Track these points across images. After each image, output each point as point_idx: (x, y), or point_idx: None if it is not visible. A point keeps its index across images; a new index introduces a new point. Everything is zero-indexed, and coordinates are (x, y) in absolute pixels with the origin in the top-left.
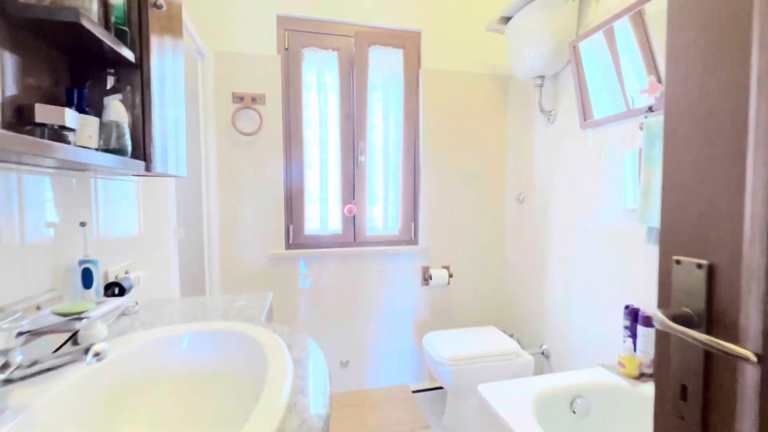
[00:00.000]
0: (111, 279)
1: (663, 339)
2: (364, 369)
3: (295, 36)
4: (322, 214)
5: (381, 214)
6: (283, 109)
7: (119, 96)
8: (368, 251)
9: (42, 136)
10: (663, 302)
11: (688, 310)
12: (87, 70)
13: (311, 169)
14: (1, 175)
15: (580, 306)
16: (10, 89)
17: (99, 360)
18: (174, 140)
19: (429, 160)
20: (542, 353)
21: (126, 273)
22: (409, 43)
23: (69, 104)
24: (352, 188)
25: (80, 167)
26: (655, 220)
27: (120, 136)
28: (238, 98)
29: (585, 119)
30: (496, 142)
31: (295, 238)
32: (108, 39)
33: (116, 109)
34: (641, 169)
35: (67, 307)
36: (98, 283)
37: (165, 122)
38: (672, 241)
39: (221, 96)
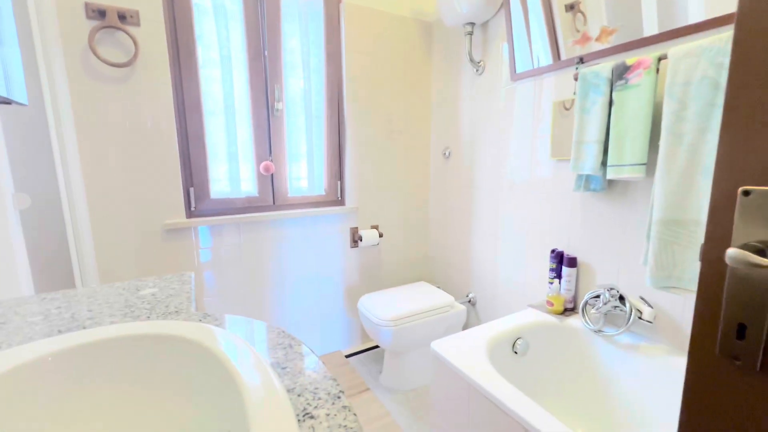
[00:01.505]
0: None
1: (714, 276)
2: None
3: None
4: (232, 173)
5: (305, 172)
6: (167, 33)
7: None
8: (291, 215)
9: None
10: (717, 237)
11: (758, 244)
12: None
13: (214, 117)
14: None
15: (507, 255)
16: None
17: None
18: None
19: (353, 112)
20: (469, 301)
21: None
22: None
23: None
24: (268, 142)
25: None
26: (587, 167)
27: None
28: (96, 12)
29: (516, 71)
30: (420, 94)
31: (198, 203)
32: None
33: None
34: (576, 119)
35: None
36: None
37: None
38: (737, 170)
39: (68, 9)
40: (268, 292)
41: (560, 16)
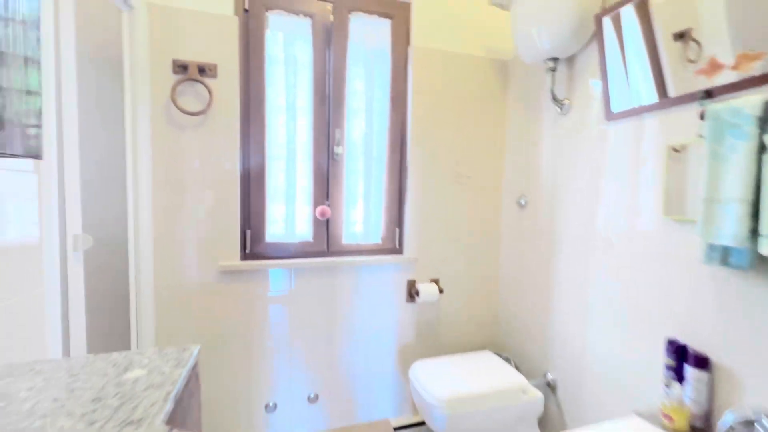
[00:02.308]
0: None
1: None
2: (336, 403)
3: None
4: (288, 217)
5: (361, 218)
6: (240, 84)
7: None
8: (345, 262)
9: None
10: None
11: None
12: None
13: (276, 161)
14: None
15: (600, 332)
16: None
17: None
18: None
19: (418, 155)
20: (548, 384)
21: None
22: (398, 13)
23: None
24: (326, 186)
25: None
26: (727, 235)
27: None
28: (181, 67)
29: (611, 110)
30: (492, 136)
31: (253, 246)
32: None
33: None
34: (705, 169)
35: None
36: None
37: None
38: None
39: (158, 63)
40: (315, 341)
41: (666, 48)
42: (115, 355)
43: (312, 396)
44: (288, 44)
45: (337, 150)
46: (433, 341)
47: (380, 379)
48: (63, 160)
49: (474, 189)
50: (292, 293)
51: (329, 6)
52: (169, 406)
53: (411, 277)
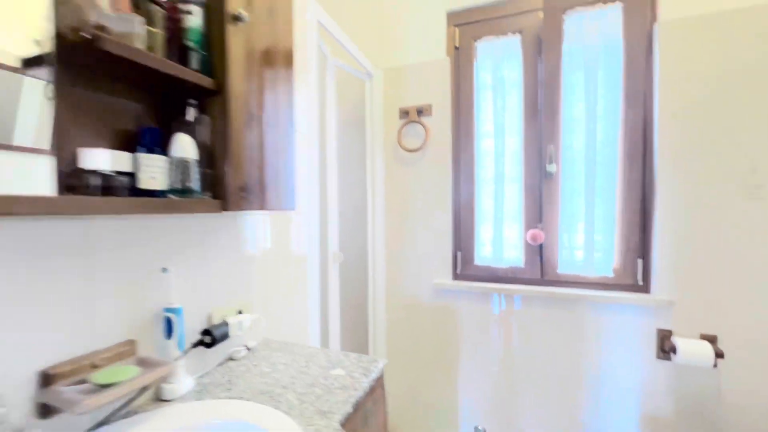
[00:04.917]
0: (215, 323)
1: None
2: None
3: (467, 30)
4: (496, 240)
5: (583, 244)
6: (452, 117)
7: (192, 129)
8: (564, 294)
9: (96, 183)
10: None
11: None
12: (175, 103)
13: (485, 185)
14: (71, 224)
15: None
16: (74, 134)
17: None
18: (275, 172)
19: (674, 164)
20: None
21: (236, 315)
22: None
23: (141, 144)
24: (538, 208)
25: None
26: None
27: (185, 174)
28: (404, 113)
29: None
30: None
31: (463, 267)
32: (152, 63)
33: (182, 144)
34: None
35: (107, 375)
36: (181, 333)
37: (263, 153)
38: None
39: (389, 113)
40: (521, 378)
41: None
42: (329, 353)
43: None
44: (496, 68)
45: (550, 168)
46: (705, 424)
47: None
48: (326, 197)
49: None
50: (500, 318)
51: (539, 14)
52: (349, 408)
53: (664, 326)
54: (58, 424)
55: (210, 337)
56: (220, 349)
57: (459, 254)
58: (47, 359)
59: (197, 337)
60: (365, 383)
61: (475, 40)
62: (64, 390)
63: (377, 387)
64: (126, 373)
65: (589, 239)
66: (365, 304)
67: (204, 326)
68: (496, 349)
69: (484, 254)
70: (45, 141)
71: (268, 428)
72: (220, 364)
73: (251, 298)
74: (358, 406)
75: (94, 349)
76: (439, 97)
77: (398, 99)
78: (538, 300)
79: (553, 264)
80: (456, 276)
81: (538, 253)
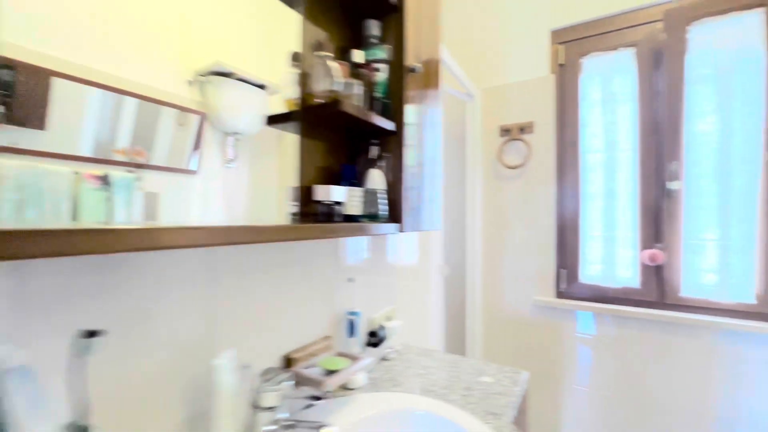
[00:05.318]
0: (375, 326)
1: None
2: None
3: (573, 47)
4: (606, 258)
5: (716, 265)
6: (556, 133)
7: (378, 165)
8: (689, 320)
9: (321, 211)
10: None
11: None
12: (359, 142)
13: (593, 200)
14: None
15: None
16: (307, 172)
17: None
18: (429, 196)
19: None
20: None
21: (387, 320)
22: None
23: (344, 178)
24: (656, 227)
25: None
26: None
27: (373, 202)
28: (505, 131)
29: None
30: None
31: (567, 285)
32: (365, 116)
33: (373, 177)
34: None
35: (329, 362)
36: (360, 333)
37: (422, 181)
38: None
39: (488, 132)
40: (635, 410)
41: None
42: (472, 361)
43: None
44: (605, 82)
45: (672, 185)
46: None
47: None
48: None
49: None
50: (610, 340)
51: (659, 25)
52: (515, 412)
53: None
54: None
55: (376, 338)
56: (378, 350)
57: (562, 271)
58: (287, 347)
59: (365, 338)
60: (517, 391)
61: (581, 57)
62: (304, 371)
63: (525, 397)
64: (342, 363)
65: (723, 261)
66: (460, 315)
67: (368, 329)
68: (605, 373)
69: (590, 272)
70: (295, 180)
71: (454, 419)
72: (378, 363)
73: (395, 306)
74: (519, 410)
75: (308, 341)
76: (542, 114)
77: (497, 117)
78: (657, 324)
79: (674, 286)
80: (559, 294)
81: (656, 273)
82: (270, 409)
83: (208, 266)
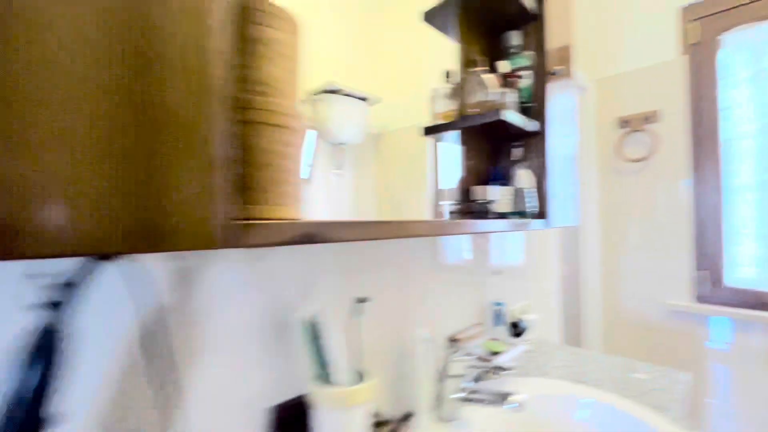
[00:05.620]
0: (514, 318)
1: None
2: None
3: (710, 22)
4: (763, 259)
5: None
6: (691, 121)
7: (523, 164)
8: None
9: (476, 210)
10: None
11: None
12: (501, 144)
13: (742, 194)
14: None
15: None
16: (463, 174)
17: (516, 409)
18: (568, 192)
19: None
20: None
21: (524, 313)
22: None
23: (492, 179)
24: None
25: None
26: None
27: (521, 200)
28: (624, 122)
29: None
30: None
31: (708, 289)
32: (520, 123)
33: (521, 177)
34: None
35: (492, 345)
36: (505, 323)
37: (562, 177)
38: None
39: (603, 125)
40: None
41: None
42: (616, 359)
43: None
44: (754, 59)
45: None
46: None
47: None
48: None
49: None
50: (762, 352)
51: None
52: (682, 409)
53: None
54: None
55: (518, 329)
56: (520, 340)
57: (703, 273)
58: (450, 329)
59: (509, 328)
60: (681, 389)
61: (721, 33)
62: (476, 350)
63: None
64: (502, 346)
65: None
66: (575, 316)
67: (509, 321)
68: (752, 388)
69: (740, 275)
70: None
71: (631, 411)
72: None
73: (529, 300)
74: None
75: (465, 326)
76: (669, 101)
77: (614, 109)
78: None
79: None
80: (700, 298)
81: None
82: (456, 377)
83: (397, 256)
